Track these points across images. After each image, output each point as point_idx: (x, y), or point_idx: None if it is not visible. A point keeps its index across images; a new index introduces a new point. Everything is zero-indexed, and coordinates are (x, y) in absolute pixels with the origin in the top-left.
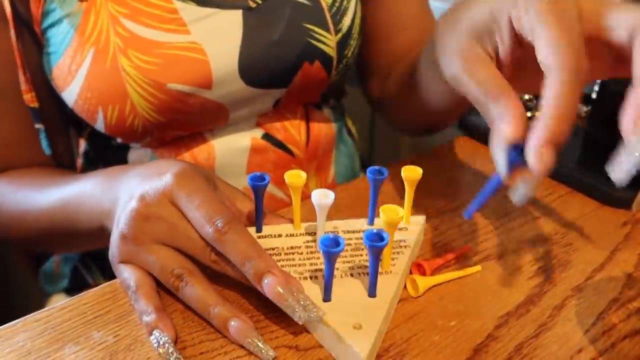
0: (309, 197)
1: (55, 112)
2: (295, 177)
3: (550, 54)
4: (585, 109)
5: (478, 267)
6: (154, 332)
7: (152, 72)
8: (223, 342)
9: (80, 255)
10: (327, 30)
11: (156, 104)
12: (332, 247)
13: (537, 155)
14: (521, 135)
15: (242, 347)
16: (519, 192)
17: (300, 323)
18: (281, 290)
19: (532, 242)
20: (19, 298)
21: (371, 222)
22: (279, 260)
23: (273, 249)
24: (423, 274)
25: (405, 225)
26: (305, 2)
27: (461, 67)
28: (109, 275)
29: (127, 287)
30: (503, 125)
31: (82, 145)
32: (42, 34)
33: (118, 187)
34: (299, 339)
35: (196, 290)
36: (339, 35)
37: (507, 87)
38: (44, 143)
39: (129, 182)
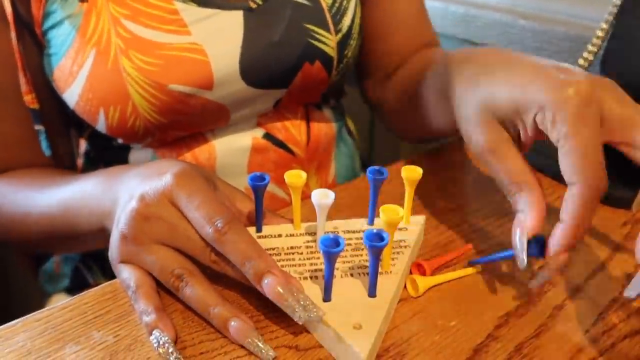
0: (309, 197)
1: (55, 113)
2: (296, 177)
3: (574, 173)
4: None
5: (478, 267)
6: (154, 332)
7: (153, 73)
8: (223, 342)
9: (81, 255)
10: (328, 30)
11: (157, 104)
12: (332, 247)
13: (556, 257)
14: (541, 228)
15: (242, 347)
16: (537, 280)
17: (300, 323)
18: (281, 290)
19: None
20: (19, 298)
21: (371, 222)
22: (279, 260)
23: (273, 249)
24: (423, 274)
25: (405, 225)
26: (306, 2)
27: (487, 148)
28: (110, 275)
29: (127, 287)
30: (524, 217)
31: (83, 145)
32: (43, 35)
33: (118, 187)
34: (299, 339)
35: (196, 290)
36: (339, 35)
37: (532, 178)
38: (44, 144)
39: (129, 182)
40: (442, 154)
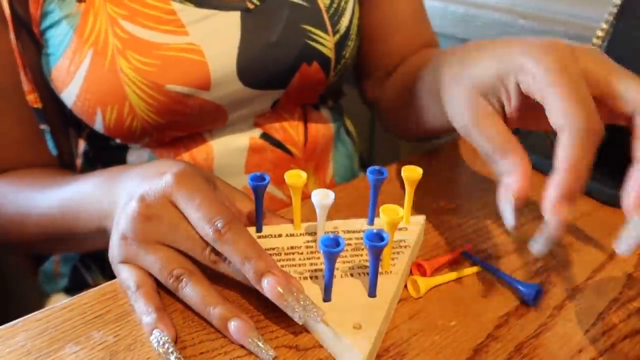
0: (309, 197)
1: (56, 112)
2: (296, 177)
3: (561, 116)
4: None
5: (478, 268)
6: (154, 332)
7: (150, 73)
8: (223, 342)
9: (80, 255)
10: (325, 31)
11: (155, 105)
12: (332, 247)
13: (552, 211)
14: (527, 191)
15: (242, 347)
16: (538, 244)
17: (300, 323)
18: (281, 290)
19: None
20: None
21: (371, 222)
22: (279, 260)
23: (273, 249)
24: (423, 274)
25: (405, 225)
26: (303, 3)
27: (470, 121)
28: (109, 275)
29: (127, 287)
30: (510, 180)
31: (82, 145)
32: (41, 35)
33: (118, 187)
34: (299, 339)
35: (196, 290)
36: (337, 36)
37: (515, 143)
38: (50, 144)
39: (128, 182)
40: (442, 154)
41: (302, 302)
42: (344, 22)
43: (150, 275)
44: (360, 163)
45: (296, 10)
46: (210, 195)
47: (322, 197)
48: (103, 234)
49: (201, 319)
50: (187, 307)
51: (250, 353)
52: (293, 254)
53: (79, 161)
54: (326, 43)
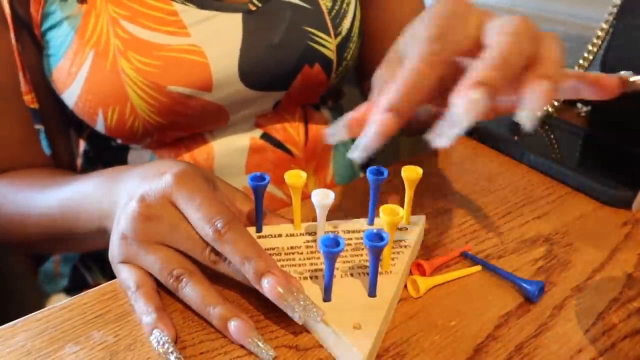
0: (309, 197)
1: (55, 113)
2: (296, 177)
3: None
4: (585, 109)
5: (478, 267)
6: (154, 332)
7: (152, 74)
8: (223, 342)
9: (80, 255)
10: (327, 33)
11: (156, 106)
12: (332, 247)
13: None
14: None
15: (242, 347)
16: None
17: (300, 323)
18: (281, 290)
19: (532, 242)
20: (18, 298)
21: (371, 222)
22: (279, 260)
23: (273, 249)
24: (423, 274)
25: (405, 225)
26: (305, 5)
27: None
28: (109, 275)
29: (127, 287)
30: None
31: (82, 145)
32: (42, 36)
33: (118, 187)
34: (299, 339)
35: (196, 290)
36: (339, 38)
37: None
38: (44, 143)
39: (128, 182)
40: (442, 154)
41: (302, 302)
42: (346, 24)
43: (150, 275)
44: (360, 163)
45: (298, 12)
46: (210, 195)
47: (322, 197)
48: (103, 234)
49: (201, 319)
50: (187, 307)
51: (250, 353)
52: (293, 254)
53: (79, 161)
54: (328, 45)
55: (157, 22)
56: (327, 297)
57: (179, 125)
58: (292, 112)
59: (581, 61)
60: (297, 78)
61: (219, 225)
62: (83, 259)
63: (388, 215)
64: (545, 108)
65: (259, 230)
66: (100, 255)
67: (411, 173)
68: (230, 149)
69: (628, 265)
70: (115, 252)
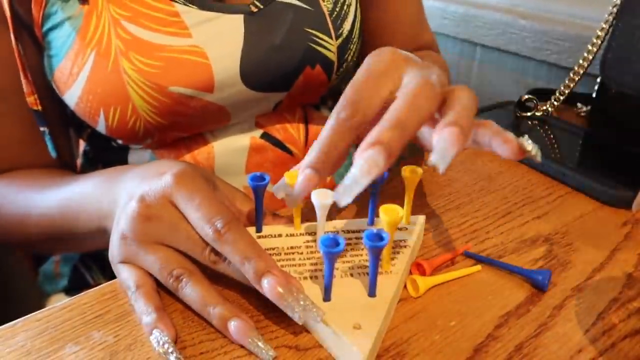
0: (309, 197)
1: (56, 113)
2: (296, 177)
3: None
4: (585, 108)
5: (478, 267)
6: (154, 332)
7: (153, 75)
8: (223, 342)
9: (80, 255)
10: (328, 34)
11: (158, 106)
12: (332, 247)
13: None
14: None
15: (242, 347)
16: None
17: (300, 323)
18: (281, 290)
19: (532, 242)
20: (18, 298)
21: (371, 222)
22: (279, 260)
23: (273, 249)
24: (423, 274)
25: (405, 225)
26: (307, 7)
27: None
28: (109, 275)
29: (127, 287)
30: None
31: (82, 145)
32: (43, 37)
33: (118, 187)
34: (299, 339)
35: (196, 290)
36: (340, 39)
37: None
38: (50, 145)
39: (128, 182)
40: None
41: (302, 302)
42: (347, 25)
43: (150, 275)
44: None
45: (299, 13)
46: (210, 195)
47: (322, 197)
48: (103, 234)
49: (201, 319)
50: (187, 307)
51: (250, 353)
52: (293, 254)
53: (79, 161)
54: (329, 46)
55: (158, 22)
56: (327, 297)
57: (180, 125)
58: (293, 112)
59: (581, 61)
60: (299, 79)
61: (218, 225)
62: (83, 259)
63: (388, 215)
64: (453, 153)
65: (259, 230)
66: (100, 255)
67: (411, 173)
68: (231, 149)
69: (628, 265)
70: (115, 252)
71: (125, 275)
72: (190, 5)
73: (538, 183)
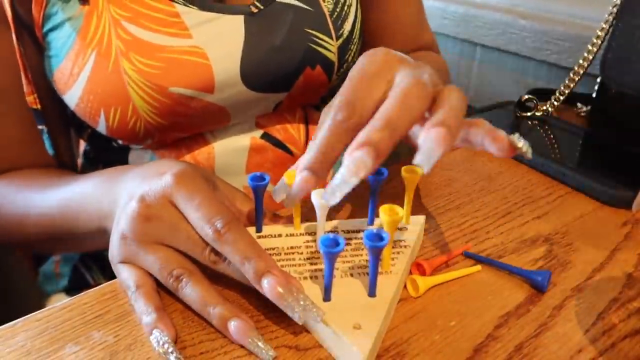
0: (309, 197)
1: (56, 113)
2: (294, 176)
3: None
4: (585, 108)
5: (478, 267)
6: (154, 332)
7: (154, 75)
8: (223, 342)
9: (80, 255)
10: (329, 35)
11: (158, 107)
12: (332, 247)
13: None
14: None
15: (242, 347)
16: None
17: (300, 323)
18: (281, 290)
19: (532, 242)
20: (18, 298)
21: (371, 222)
22: (279, 260)
23: (273, 249)
24: (423, 274)
25: (405, 225)
26: (307, 7)
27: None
28: (109, 275)
29: (127, 287)
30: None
31: (82, 145)
32: (44, 37)
33: (118, 187)
34: (299, 339)
35: (196, 290)
36: (340, 40)
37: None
38: (47, 143)
39: (128, 182)
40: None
41: (302, 302)
42: (347, 26)
43: (150, 275)
44: None
45: (300, 14)
46: (209, 195)
47: (322, 197)
48: (103, 234)
49: (201, 319)
50: (187, 307)
51: (250, 353)
52: (293, 254)
53: (79, 161)
54: (330, 47)
55: (158, 23)
56: (327, 297)
57: (180, 125)
58: (293, 112)
59: (581, 61)
60: (299, 80)
61: (218, 225)
62: (83, 259)
63: (388, 215)
64: (439, 154)
65: (259, 230)
66: (100, 255)
67: (411, 173)
68: (231, 149)
69: (628, 265)
70: (115, 252)
71: (125, 275)
72: (190, 5)
73: (538, 183)
